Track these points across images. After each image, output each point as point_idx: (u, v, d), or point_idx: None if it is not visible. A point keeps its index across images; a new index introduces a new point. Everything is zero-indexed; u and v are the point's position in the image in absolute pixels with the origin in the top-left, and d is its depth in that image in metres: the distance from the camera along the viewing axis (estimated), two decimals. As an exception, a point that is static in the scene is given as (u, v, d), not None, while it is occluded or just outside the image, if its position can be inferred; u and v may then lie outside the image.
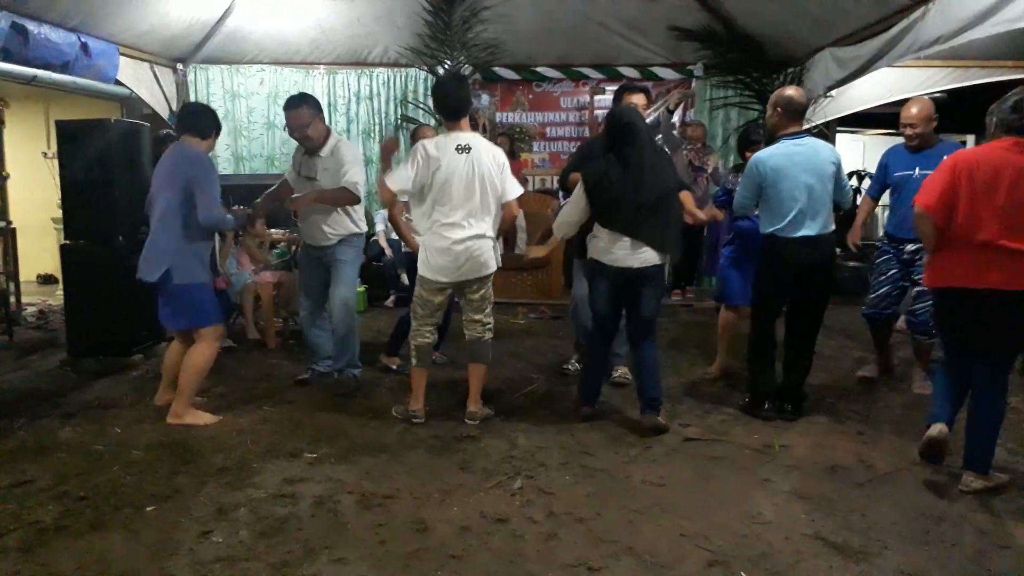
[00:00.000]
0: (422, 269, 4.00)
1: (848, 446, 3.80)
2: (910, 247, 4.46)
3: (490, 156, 3.95)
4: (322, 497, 3.17)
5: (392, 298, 7.43)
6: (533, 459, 3.58)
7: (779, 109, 4.06)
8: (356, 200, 4.37)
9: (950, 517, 3.03)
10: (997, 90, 7.08)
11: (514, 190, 4.07)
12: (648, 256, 3.83)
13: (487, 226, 3.96)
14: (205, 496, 3.18)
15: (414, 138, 4.94)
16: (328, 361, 4.66)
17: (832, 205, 4.05)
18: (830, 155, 4.05)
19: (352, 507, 3.09)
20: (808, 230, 3.95)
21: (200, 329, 4.06)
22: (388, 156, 4.31)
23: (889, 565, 2.67)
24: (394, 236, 7.23)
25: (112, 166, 5.03)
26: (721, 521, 2.99)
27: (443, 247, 3.89)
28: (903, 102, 7.64)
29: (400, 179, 3.90)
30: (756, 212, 4.25)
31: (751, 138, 4.89)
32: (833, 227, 4.06)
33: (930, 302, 4.25)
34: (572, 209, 3.98)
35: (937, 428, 3.34)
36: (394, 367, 5.04)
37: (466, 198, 3.87)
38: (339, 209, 4.41)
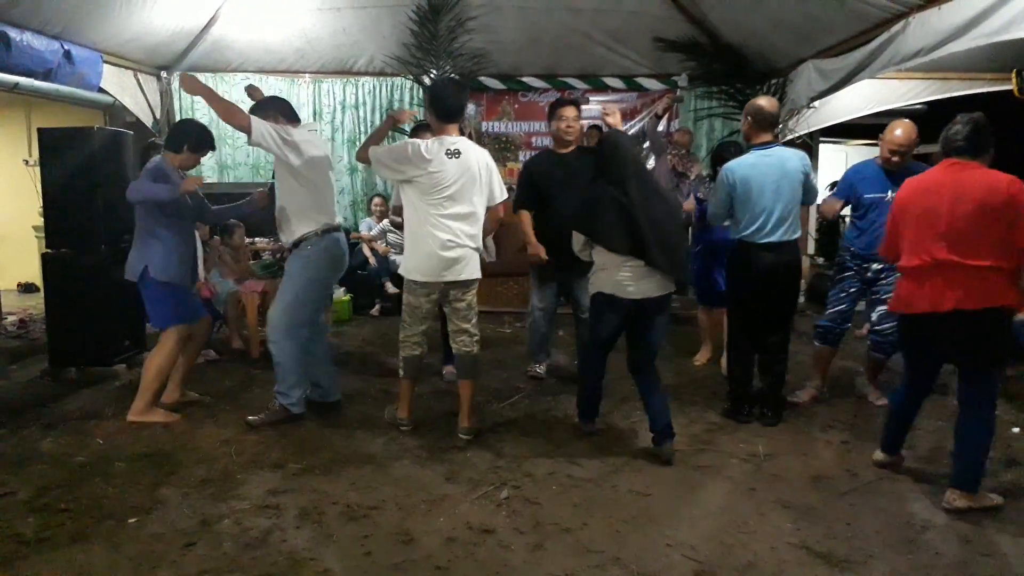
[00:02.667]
0: (409, 273, 3.95)
1: (832, 455, 3.82)
2: (875, 266, 4.37)
3: (478, 160, 3.93)
4: (307, 508, 3.15)
5: (377, 307, 7.40)
6: (519, 469, 3.58)
7: (749, 118, 4.18)
8: (242, 121, 3.77)
9: (934, 525, 3.05)
10: (977, 102, 7.21)
11: (501, 194, 4.07)
12: (659, 285, 3.69)
13: (474, 231, 3.93)
14: (188, 508, 3.16)
15: (413, 136, 4.90)
16: (317, 388, 4.41)
17: (798, 211, 4.18)
18: (798, 163, 4.13)
19: (337, 518, 3.08)
20: (774, 236, 4.08)
21: (160, 329, 4.23)
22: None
23: (873, 574, 2.69)
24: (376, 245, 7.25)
25: (95, 174, 4.99)
26: (707, 530, 3.00)
27: (430, 250, 3.84)
28: (885, 113, 7.85)
29: (384, 156, 3.92)
30: (726, 224, 4.41)
31: (723, 156, 4.91)
32: (799, 234, 4.21)
33: (893, 323, 4.29)
34: (574, 239, 3.87)
35: (881, 456, 3.62)
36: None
37: (454, 202, 3.84)
38: (286, 209, 4.07)
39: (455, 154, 3.83)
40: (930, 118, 8.81)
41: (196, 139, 4.27)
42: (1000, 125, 3.73)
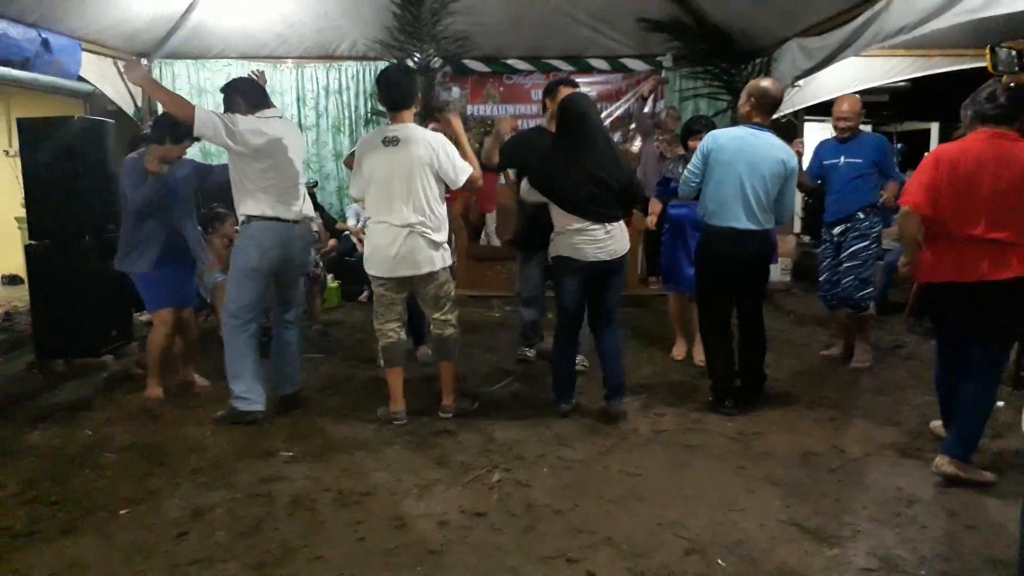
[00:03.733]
0: (366, 265, 3.96)
1: (820, 432, 3.85)
2: (837, 229, 4.88)
3: (423, 146, 3.79)
4: (299, 496, 3.16)
5: (366, 293, 7.37)
6: (510, 452, 3.59)
7: (752, 99, 4.01)
8: (185, 111, 3.68)
9: (921, 500, 3.09)
10: (960, 79, 7.24)
11: (462, 172, 3.89)
12: (616, 247, 3.85)
13: (421, 222, 3.80)
14: (180, 498, 3.15)
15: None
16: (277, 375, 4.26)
17: (769, 203, 3.96)
18: (783, 156, 3.95)
19: (329, 505, 3.08)
20: (737, 223, 3.90)
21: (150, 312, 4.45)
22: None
23: (861, 548, 2.73)
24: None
25: (77, 164, 4.93)
26: (697, 509, 3.03)
27: (376, 244, 3.85)
28: (870, 91, 7.86)
29: (354, 184, 3.98)
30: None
31: (692, 128, 4.97)
32: (769, 226, 4.01)
33: (851, 277, 4.77)
34: (526, 190, 4.00)
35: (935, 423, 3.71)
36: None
37: (393, 193, 3.77)
38: (232, 187, 3.97)
39: (392, 142, 3.78)
40: (914, 95, 8.86)
41: (177, 130, 4.19)
42: None
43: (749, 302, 4.16)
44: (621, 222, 3.91)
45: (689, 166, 4.08)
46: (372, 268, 3.92)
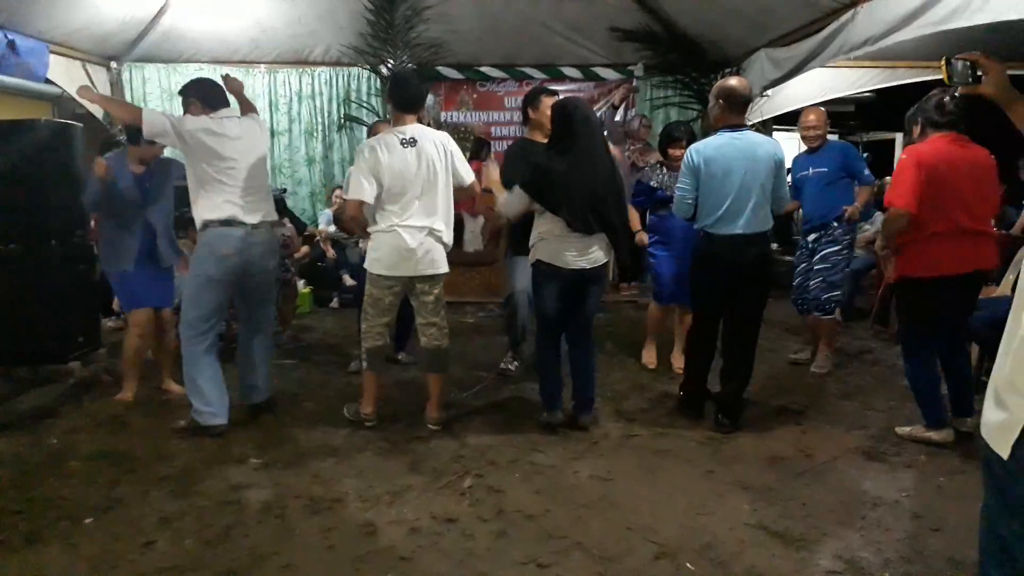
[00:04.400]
0: (374, 267, 3.89)
1: (788, 437, 3.91)
2: (812, 236, 5.03)
3: (435, 145, 3.85)
4: (269, 503, 3.14)
5: (336, 299, 7.36)
6: (483, 458, 3.60)
7: (721, 100, 3.89)
8: (133, 114, 3.79)
9: (884, 502, 3.15)
10: (923, 89, 7.37)
11: (469, 174, 4.00)
12: (597, 256, 3.79)
13: (439, 221, 3.86)
14: (148, 505, 3.12)
15: (370, 135, 4.88)
16: (243, 387, 4.18)
17: (767, 202, 3.90)
18: (771, 150, 3.88)
19: (299, 512, 3.07)
20: (740, 228, 3.82)
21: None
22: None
23: (827, 551, 2.77)
24: (336, 236, 7.18)
25: (43, 167, 4.86)
26: (667, 513, 3.06)
27: (396, 244, 3.80)
28: (837, 101, 8.00)
29: (357, 188, 3.77)
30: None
31: (673, 135, 4.91)
32: (769, 225, 3.95)
33: (820, 279, 4.93)
34: (515, 200, 3.85)
35: (945, 434, 3.76)
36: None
37: (415, 193, 3.80)
38: (193, 189, 3.87)
39: (411, 143, 3.80)
40: (879, 106, 9.02)
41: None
42: None
43: (748, 311, 3.97)
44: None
45: (681, 185, 3.95)
46: (385, 268, 3.84)
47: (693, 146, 3.99)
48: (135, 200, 4.32)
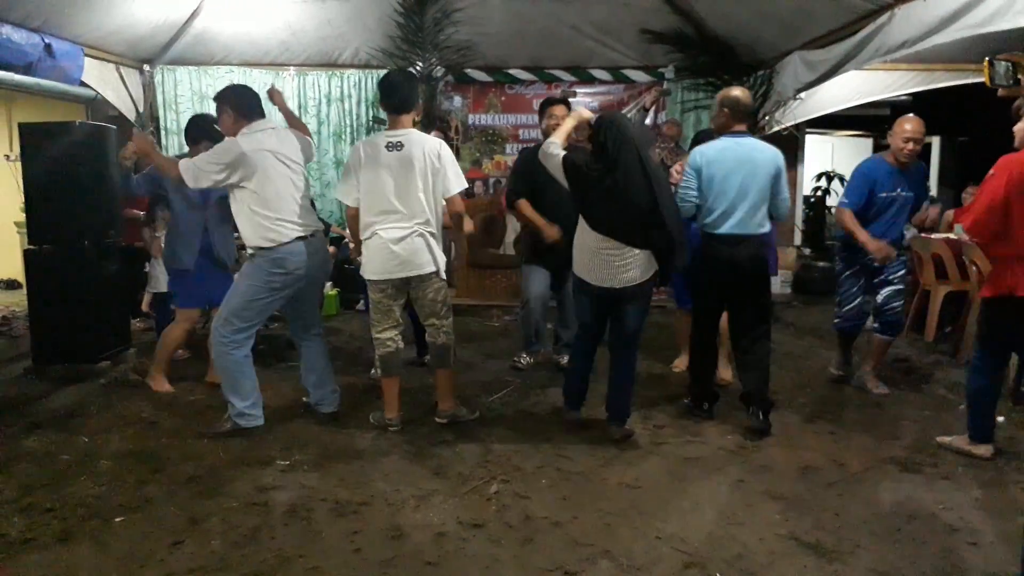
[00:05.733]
0: (364, 270, 3.94)
1: (820, 446, 3.83)
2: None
3: (424, 149, 3.84)
4: (295, 505, 3.14)
5: (362, 302, 7.36)
6: (509, 463, 3.57)
7: (726, 109, 4.04)
8: (174, 173, 3.81)
9: (920, 515, 3.07)
10: (960, 93, 7.24)
11: (456, 184, 3.94)
12: (631, 276, 3.68)
13: (424, 223, 3.85)
14: (175, 506, 3.13)
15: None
16: (311, 394, 4.26)
17: (765, 205, 4.00)
18: (771, 157, 3.99)
19: (326, 515, 3.06)
20: (735, 228, 3.94)
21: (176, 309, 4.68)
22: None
23: (861, 564, 2.70)
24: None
25: (77, 169, 4.94)
26: (696, 522, 3.01)
27: (379, 246, 3.83)
28: (871, 104, 7.87)
29: (346, 190, 3.90)
30: None
31: (702, 138, 4.85)
32: (766, 229, 4.04)
33: (900, 302, 4.53)
34: (554, 165, 3.81)
35: (987, 449, 3.65)
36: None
37: (397, 196, 3.80)
38: (242, 217, 3.88)
39: (396, 147, 3.80)
40: (915, 109, 8.88)
41: (213, 132, 4.31)
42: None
43: (751, 311, 4.02)
44: (647, 251, 3.71)
45: (684, 186, 4.04)
46: (373, 272, 3.89)
47: (697, 148, 4.14)
48: (195, 201, 4.47)
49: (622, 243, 3.65)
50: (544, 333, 5.27)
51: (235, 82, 7.88)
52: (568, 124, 3.96)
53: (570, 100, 7.98)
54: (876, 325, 4.71)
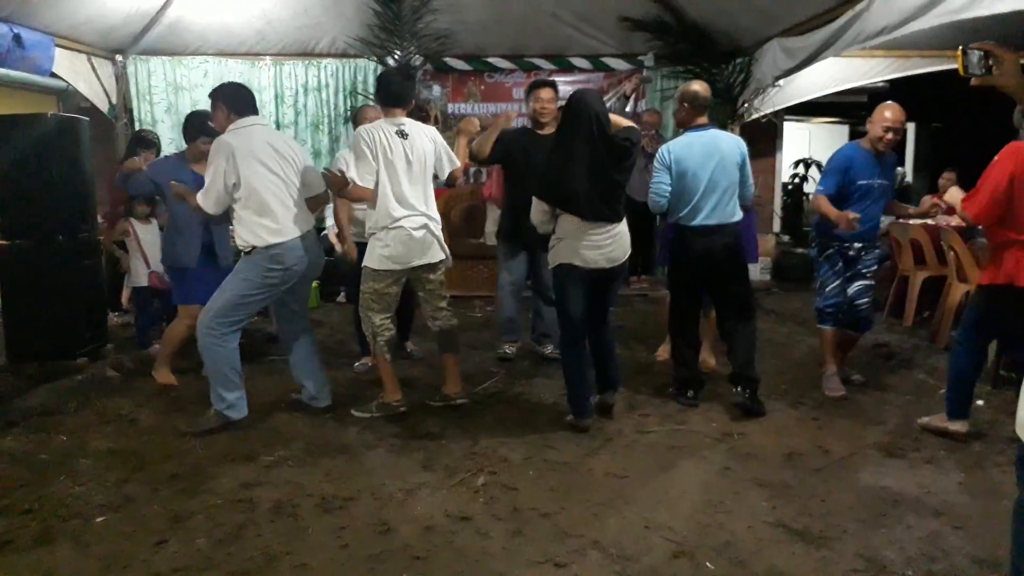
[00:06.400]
0: (375, 263, 3.90)
1: (804, 432, 3.86)
2: (856, 245, 4.34)
3: (425, 137, 3.98)
4: (281, 501, 3.10)
5: (343, 294, 7.32)
6: (496, 454, 3.56)
7: (686, 104, 4.14)
8: (198, 206, 3.82)
9: (905, 500, 3.09)
10: (936, 80, 7.27)
11: (451, 164, 4.11)
12: (617, 254, 3.79)
13: (432, 210, 3.99)
14: (158, 504, 3.09)
15: (355, 120, 4.94)
16: (304, 390, 4.19)
17: (735, 193, 4.12)
18: (734, 146, 4.13)
19: (312, 511, 3.03)
20: (708, 219, 4.05)
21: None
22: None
23: (848, 549, 2.72)
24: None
25: (49, 162, 4.84)
26: (684, 511, 3.01)
27: (398, 235, 3.84)
28: (848, 91, 7.91)
29: (363, 172, 3.83)
30: None
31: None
32: (738, 217, 4.14)
33: (868, 298, 4.40)
34: (534, 209, 3.81)
35: (962, 425, 3.70)
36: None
37: (411, 183, 3.88)
38: (235, 215, 3.85)
39: (403, 135, 3.88)
40: (891, 96, 8.94)
41: (195, 124, 4.39)
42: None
43: (733, 296, 4.14)
44: (623, 225, 3.84)
45: (657, 183, 4.11)
46: (395, 261, 3.89)
47: (664, 146, 4.24)
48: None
49: (598, 220, 3.70)
50: (518, 324, 5.25)
51: (210, 72, 7.83)
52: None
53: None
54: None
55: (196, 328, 3.85)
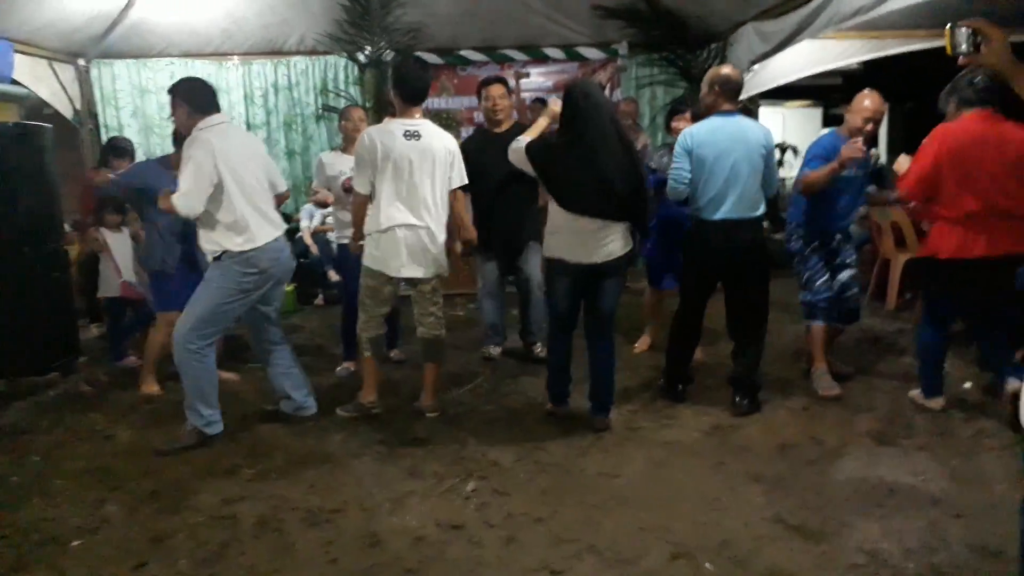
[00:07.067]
0: (371, 261, 3.84)
1: (795, 422, 3.82)
2: (838, 236, 4.22)
3: (441, 144, 3.84)
4: (265, 516, 3.00)
5: (321, 296, 7.20)
6: (485, 458, 3.48)
7: (716, 87, 3.86)
8: (172, 209, 3.55)
9: (901, 489, 3.06)
10: (913, 59, 7.25)
11: (460, 180, 3.99)
12: (611, 249, 3.59)
13: (438, 217, 3.85)
14: (137, 524, 2.98)
15: (343, 118, 4.82)
16: (288, 400, 4.03)
17: (758, 187, 3.86)
18: (761, 137, 3.87)
19: (298, 525, 2.94)
20: (729, 212, 3.79)
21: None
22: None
23: (849, 544, 2.68)
24: (325, 233, 6.99)
25: (12, 172, 4.67)
26: (680, 510, 2.95)
27: (393, 239, 3.75)
28: (823, 74, 7.88)
29: (361, 181, 3.78)
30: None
31: (677, 109, 4.89)
32: (761, 211, 3.89)
33: (857, 290, 4.26)
34: (517, 156, 3.68)
35: (941, 401, 3.86)
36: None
37: (414, 187, 3.75)
38: (203, 219, 3.63)
39: (414, 136, 3.74)
40: (866, 78, 8.94)
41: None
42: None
43: (749, 294, 3.91)
44: (621, 223, 3.64)
45: (675, 168, 3.88)
46: (383, 264, 3.80)
47: (686, 130, 3.96)
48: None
49: (598, 219, 3.54)
50: (501, 327, 5.15)
51: (176, 74, 7.63)
52: (542, 123, 3.85)
53: (522, 80, 7.99)
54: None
55: (172, 340, 3.71)
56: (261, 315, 3.93)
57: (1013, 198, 3.43)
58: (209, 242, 3.65)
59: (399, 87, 3.87)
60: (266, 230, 3.68)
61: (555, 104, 3.80)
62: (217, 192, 3.54)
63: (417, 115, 3.84)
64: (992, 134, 3.44)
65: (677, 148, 3.91)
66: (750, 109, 8.39)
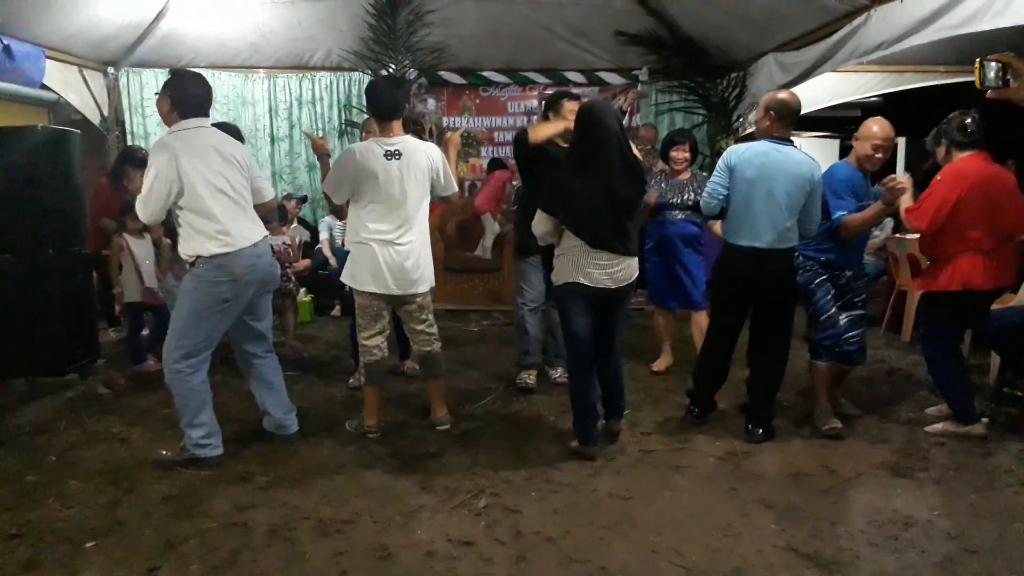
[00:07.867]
0: (351, 279, 3.82)
1: (810, 451, 3.79)
2: (848, 273, 3.99)
3: (424, 158, 3.81)
4: (277, 525, 3.01)
5: (337, 307, 7.24)
6: (496, 475, 3.48)
7: (772, 112, 3.75)
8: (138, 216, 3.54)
9: (917, 522, 3.03)
10: (928, 94, 7.29)
11: (451, 187, 3.96)
12: (626, 274, 3.57)
13: (419, 236, 3.82)
14: (150, 528, 2.99)
15: (364, 130, 4.79)
16: (269, 417, 3.91)
17: (794, 221, 3.73)
18: (807, 171, 3.70)
19: (309, 534, 2.94)
20: (760, 241, 3.71)
21: None
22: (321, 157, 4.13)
23: (862, 575, 2.66)
24: (339, 244, 7.04)
25: (39, 175, 4.75)
26: (692, 534, 2.94)
27: (371, 257, 3.72)
28: (841, 106, 7.91)
29: (335, 189, 3.80)
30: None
31: (675, 139, 5.01)
32: (793, 243, 3.78)
33: (860, 333, 4.03)
34: (539, 220, 3.63)
35: (982, 428, 3.91)
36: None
37: (395, 207, 3.72)
38: (181, 224, 3.53)
39: (395, 155, 3.71)
40: (885, 111, 8.96)
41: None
42: (945, 116, 3.94)
43: (772, 324, 3.88)
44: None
45: (712, 182, 3.84)
46: (365, 284, 3.77)
47: (732, 147, 3.93)
48: None
49: (606, 251, 3.50)
50: (537, 345, 4.86)
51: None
52: (552, 128, 3.86)
53: (539, 100, 8.05)
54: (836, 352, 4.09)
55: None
56: (246, 327, 3.76)
57: (1006, 236, 3.81)
58: (185, 247, 3.53)
59: (371, 106, 3.89)
60: (242, 235, 3.52)
61: (570, 124, 3.84)
62: (190, 198, 3.42)
63: (397, 131, 3.79)
64: (992, 175, 3.73)
65: (720, 163, 3.86)
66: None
